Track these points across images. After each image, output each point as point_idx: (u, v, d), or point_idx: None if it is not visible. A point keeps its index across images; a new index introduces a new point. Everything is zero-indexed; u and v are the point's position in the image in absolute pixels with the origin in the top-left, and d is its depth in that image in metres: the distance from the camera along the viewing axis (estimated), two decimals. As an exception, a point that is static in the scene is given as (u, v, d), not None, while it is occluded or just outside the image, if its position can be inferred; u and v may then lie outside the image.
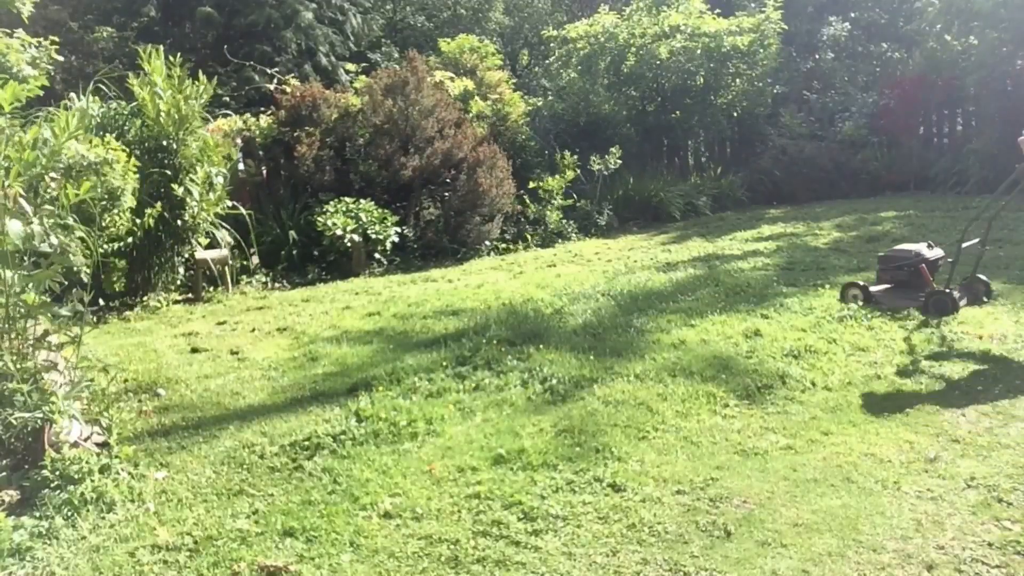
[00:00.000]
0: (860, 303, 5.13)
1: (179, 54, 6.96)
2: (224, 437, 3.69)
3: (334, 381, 4.40)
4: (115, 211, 5.50)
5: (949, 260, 5.07)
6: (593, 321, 5.25)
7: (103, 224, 5.40)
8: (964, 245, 4.86)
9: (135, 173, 5.62)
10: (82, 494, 2.99)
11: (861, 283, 5.30)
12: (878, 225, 9.16)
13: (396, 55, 14.80)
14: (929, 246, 5.32)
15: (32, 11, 5.69)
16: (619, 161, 10.89)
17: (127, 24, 12.32)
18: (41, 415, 3.14)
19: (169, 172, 6.64)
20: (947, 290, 4.79)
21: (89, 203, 4.13)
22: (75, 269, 3.70)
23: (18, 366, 3.24)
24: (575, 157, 10.53)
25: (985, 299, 5.08)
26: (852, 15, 14.83)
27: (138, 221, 6.07)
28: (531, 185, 10.20)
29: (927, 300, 4.84)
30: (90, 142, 5.05)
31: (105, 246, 5.59)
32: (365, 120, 9.24)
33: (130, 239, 5.95)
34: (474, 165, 9.26)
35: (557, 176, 10.23)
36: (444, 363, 4.51)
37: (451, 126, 9.52)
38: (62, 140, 3.71)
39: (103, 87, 7.16)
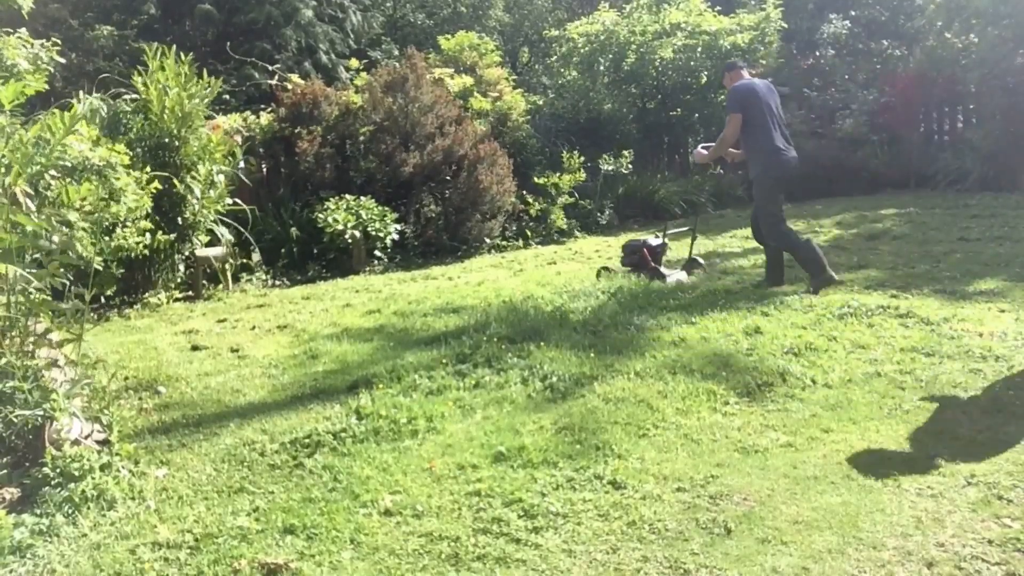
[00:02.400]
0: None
1: (180, 52, 6.95)
2: (224, 435, 3.70)
3: (334, 379, 4.40)
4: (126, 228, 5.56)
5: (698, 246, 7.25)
6: (593, 319, 5.25)
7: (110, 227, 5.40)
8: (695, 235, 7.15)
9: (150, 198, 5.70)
10: (83, 491, 2.99)
11: (609, 267, 6.92)
12: (878, 223, 9.15)
13: (396, 52, 14.79)
14: (655, 237, 7.04)
15: (32, 7, 5.67)
16: (630, 166, 10.96)
17: (127, 22, 12.31)
18: (42, 412, 3.14)
19: (170, 170, 6.64)
20: (659, 268, 6.60)
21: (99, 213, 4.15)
22: (82, 266, 3.70)
23: (19, 363, 3.24)
24: (582, 159, 10.53)
25: (702, 272, 6.89)
26: (852, 13, 14.80)
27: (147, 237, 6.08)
28: (539, 181, 10.19)
29: (648, 274, 6.51)
30: (110, 147, 5.06)
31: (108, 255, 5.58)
32: (365, 117, 9.24)
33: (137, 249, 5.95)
34: (475, 162, 9.25)
35: (567, 174, 10.22)
36: (444, 361, 4.51)
37: (451, 123, 9.51)
38: (59, 138, 3.71)
39: (107, 85, 7.16)
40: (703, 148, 6.44)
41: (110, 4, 12.44)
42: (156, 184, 6.09)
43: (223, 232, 7.32)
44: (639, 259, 6.71)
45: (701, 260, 7.11)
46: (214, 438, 3.66)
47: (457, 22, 17.52)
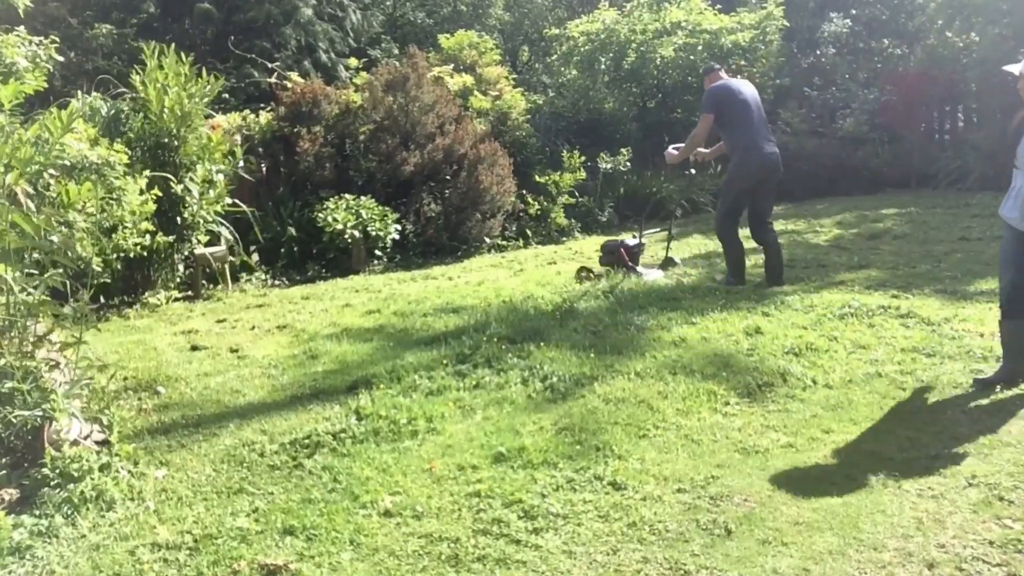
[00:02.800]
0: (590, 280, 6.69)
1: (179, 51, 6.93)
2: (224, 435, 3.69)
3: (334, 379, 4.39)
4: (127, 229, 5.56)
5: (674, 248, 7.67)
6: (594, 318, 5.24)
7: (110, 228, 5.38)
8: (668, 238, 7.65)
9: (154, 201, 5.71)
10: (82, 492, 2.98)
11: (589, 268, 6.94)
12: (879, 222, 9.14)
13: (396, 51, 14.76)
14: (633, 237, 7.20)
15: (29, 5, 5.66)
16: (628, 163, 10.96)
17: (126, 20, 12.30)
18: (41, 413, 3.14)
19: (169, 169, 6.62)
20: (636, 267, 6.78)
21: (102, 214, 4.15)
22: (81, 266, 3.70)
23: (19, 364, 3.24)
24: (582, 158, 10.52)
25: (678, 268, 7.04)
26: (853, 11, 14.79)
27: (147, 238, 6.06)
28: (540, 179, 10.17)
29: (626, 273, 6.64)
30: (108, 146, 5.05)
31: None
32: (365, 116, 9.23)
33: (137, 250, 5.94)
34: (475, 162, 9.24)
35: (567, 173, 10.21)
36: (444, 361, 4.50)
37: (451, 122, 9.50)
38: (57, 136, 3.71)
39: (107, 85, 7.15)
40: (674, 148, 6.69)
41: (109, 2, 12.42)
42: (156, 191, 6.09)
43: (222, 232, 7.31)
44: (617, 258, 6.91)
45: (678, 260, 7.32)
46: (214, 439, 3.66)
47: (457, 21, 17.49)
